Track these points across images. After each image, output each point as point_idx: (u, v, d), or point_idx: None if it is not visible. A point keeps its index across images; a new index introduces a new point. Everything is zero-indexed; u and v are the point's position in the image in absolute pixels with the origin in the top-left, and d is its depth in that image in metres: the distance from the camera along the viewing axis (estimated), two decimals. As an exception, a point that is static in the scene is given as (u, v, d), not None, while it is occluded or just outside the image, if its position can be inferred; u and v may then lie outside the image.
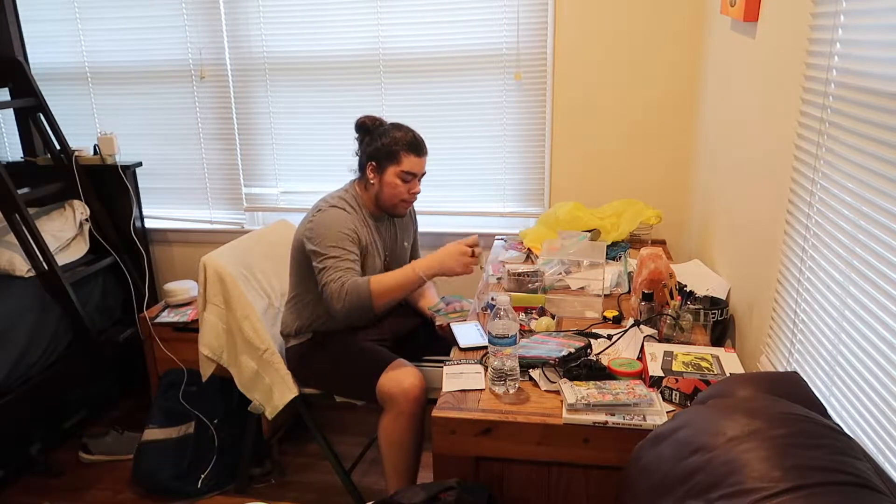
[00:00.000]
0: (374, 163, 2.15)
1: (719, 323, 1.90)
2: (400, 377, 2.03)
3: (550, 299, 2.09)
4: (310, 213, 2.17)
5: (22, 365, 2.55)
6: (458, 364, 1.75)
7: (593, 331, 1.89)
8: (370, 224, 2.19)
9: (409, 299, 2.46)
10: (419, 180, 2.19)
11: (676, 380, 1.54)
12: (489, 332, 1.61)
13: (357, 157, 2.23)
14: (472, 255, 1.97)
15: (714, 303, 1.91)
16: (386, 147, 2.13)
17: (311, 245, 2.08)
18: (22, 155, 3.20)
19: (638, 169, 2.82)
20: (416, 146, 2.15)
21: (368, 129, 2.20)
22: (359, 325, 2.26)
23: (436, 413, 1.56)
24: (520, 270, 2.20)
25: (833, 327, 1.29)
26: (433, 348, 2.30)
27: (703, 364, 1.59)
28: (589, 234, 2.45)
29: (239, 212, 3.25)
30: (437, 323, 2.18)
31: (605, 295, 2.13)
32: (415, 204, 2.46)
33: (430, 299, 2.41)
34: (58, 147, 3.01)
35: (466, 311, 2.16)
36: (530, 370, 1.67)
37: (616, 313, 1.99)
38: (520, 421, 1.51)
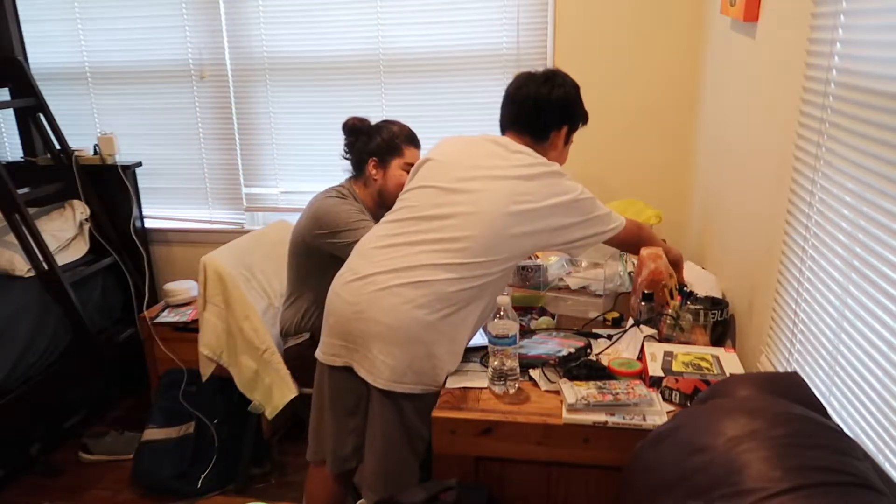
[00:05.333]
0: (375, 159, 2.18)
1: (720, 323, 1.90)
2: None
3: (550, 299, 2.09)
4: (308, 208, 2.18)
5: (22, 365, 2.55)
6: (465, 362, 1.76)
7: (593, 331, 1.89)
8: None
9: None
10: None
11: (676, 380, 1.54)
12: (489, 332, 1.61)
13: (348, 159, 2.28)
14: None
15: (715, 303, 1.91)
16: (387, 142, 2.19)
17: (323, 230, 2.09)
18: (22, 155, 3.21)
19: (638, 169, 2.82)
20: (415, 138, 2.25)
21: (360, 130, 2.24)
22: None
23: (436, 413, 1.56)
24: (523, 264, 2.22)
25: (833, 327, 1.29)
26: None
27: (703, 364, 1.59)
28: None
29: (239, 212, 3.25)
30: None
31: (606, 295, 2.13)
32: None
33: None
34: (58, 147, 3.01)
35: None
36: (530, 370, 1.67)
37: (616, 315, 1.99)
38: (520, 421, 1.51)
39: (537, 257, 2.42)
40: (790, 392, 1.17)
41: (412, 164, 2.16)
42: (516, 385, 1.61)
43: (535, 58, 2.77)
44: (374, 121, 2.28)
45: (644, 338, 1.77)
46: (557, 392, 1.58)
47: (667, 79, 2.70)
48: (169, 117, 3.17)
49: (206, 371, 2.43)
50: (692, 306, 1.82)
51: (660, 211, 2.61)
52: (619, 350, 1.77)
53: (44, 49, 3.15)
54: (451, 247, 1.65)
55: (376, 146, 2.19)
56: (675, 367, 1.58)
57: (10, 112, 3.17)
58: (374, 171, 2.20)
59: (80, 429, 2.91)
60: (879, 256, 1.12)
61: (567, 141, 1.87)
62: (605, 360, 1.69)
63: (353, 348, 1.71)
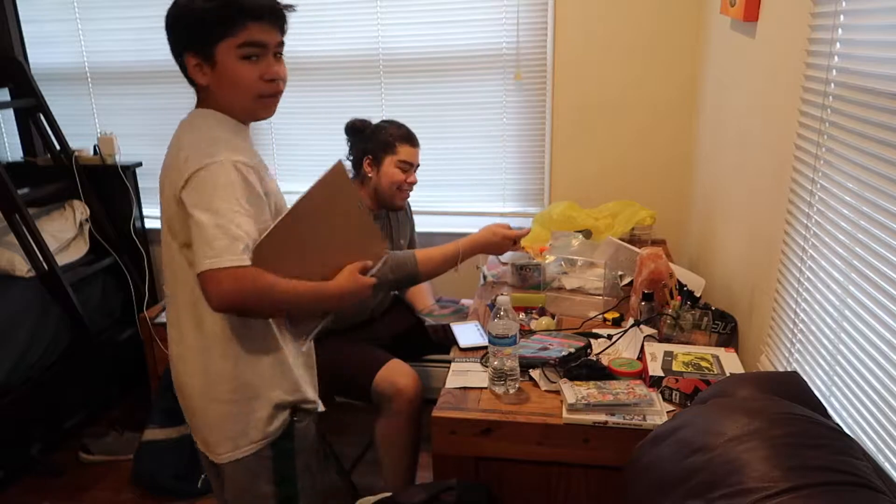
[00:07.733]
0: (370, 157, 2.21)
1: (721, 335, 1.86)
2: (395, 377, 2.03)
3: (551, 299, 2.09)
4: None
5: (22, 365, 2.55)
6: (465, 362, 1.76)
7: (593, 331, 1.89)
8: None
9: (405, 299, 2.46)
10: (414, 171, 2.25)
11: (676, 380, 1.54)
12: (489, 332, 1.61)
13: (351, 159, 2.28)
14: (514, 242, 2.15)
15: (722, 316, 1.87)
16: (382, 140, 2.21)
17: None
18: (22, 155, 3.21)
19: (638, 169, 2.82)
20: (410, 137, 2.24)
21: (359, 130, 2.27)
22: (354, 324, 2.26)
23: (436, 413, 1.56)
24: (522, 264, 2.22)
25: (833, 327, 1.29)
26: (431, 348, 2.31)
27: (703, 364, 1.59)
28: (581, 235, 2.44)
29: (239, 212, 3.25)
30: (427, 323, 2.20)
31: (607, 295, 2.13)
32: (414, 203, 2.47)
33: (426, 300, 2.41)
34: (58, 147, 3.01)
35: (464, 309, 2.16)
36: (530, 370, 1.67)
37: (616, 315, 1.99)
38: (520, 421, 1.51)
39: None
40: (790, 392, 1.18)
41: (407, 162, 2.19)
42: (516, 385, 1.61)
43: (535, 58, 2.77)
44: (375, 121, 2.29)
45: (644, 338, 1.76)
46: (557, 392, 1.58)
47: (666, 78, 2.69)
48: (169, 117, 3.12)
49: (205, 371, 2.43)
50: (696, 316, 1.78)
51: (654, 211, 2.61)
52: (619, 350, 1.77)
53: (44, 49, 3.15)
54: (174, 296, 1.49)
55: (372, 144, 2.21)
56: (675, 367, 1.58)
57: (10, 112, 3.17)
58: (368, 169, 2.21)
59: (80, 429, 2.91)
60: (879, 256, 1.12)
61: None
62: (605, 360, 1.69)
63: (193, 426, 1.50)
